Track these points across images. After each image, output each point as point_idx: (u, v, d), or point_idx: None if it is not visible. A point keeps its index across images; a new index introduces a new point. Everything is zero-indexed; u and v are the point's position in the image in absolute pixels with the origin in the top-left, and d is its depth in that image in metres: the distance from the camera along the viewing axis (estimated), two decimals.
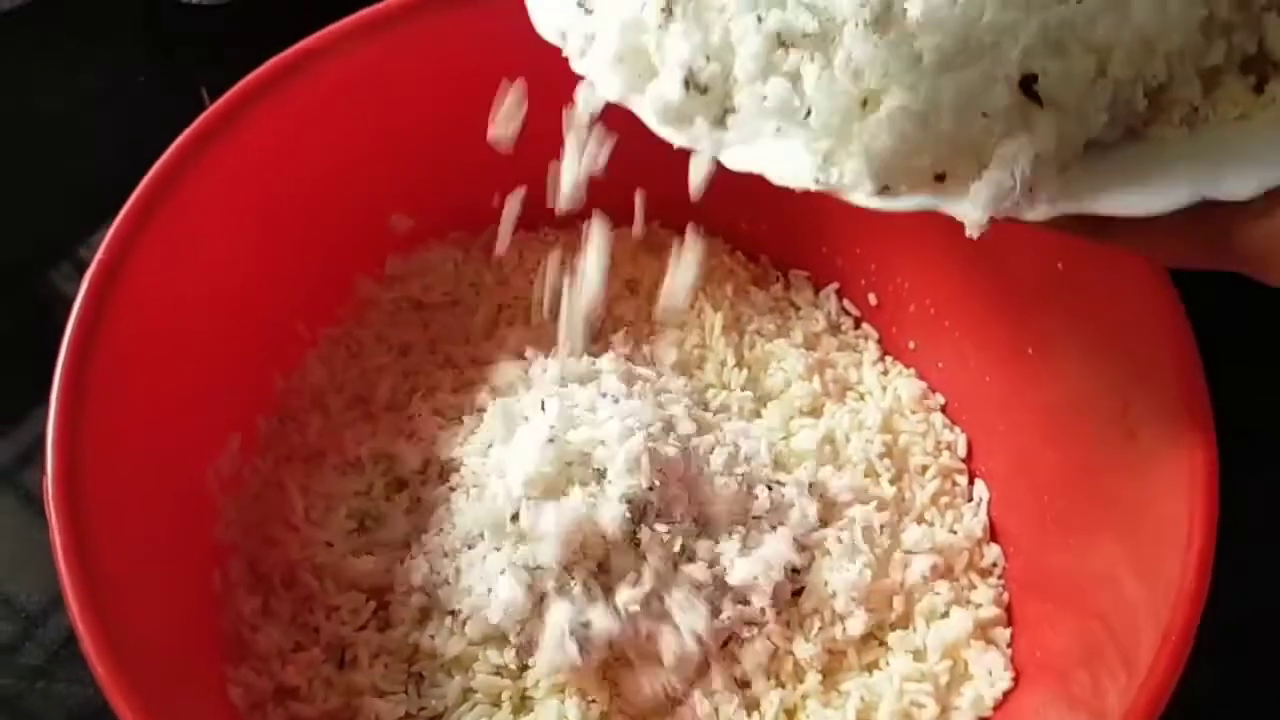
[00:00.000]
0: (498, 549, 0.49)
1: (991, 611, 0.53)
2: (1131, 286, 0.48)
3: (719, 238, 0.64)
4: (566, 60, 0.42)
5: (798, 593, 0.51)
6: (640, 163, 0.43)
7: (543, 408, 0.51)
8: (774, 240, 0.64)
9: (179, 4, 0.75)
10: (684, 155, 0.40)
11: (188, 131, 0.51)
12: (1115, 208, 0.33)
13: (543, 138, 0.44)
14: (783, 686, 0.50)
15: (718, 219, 0.64)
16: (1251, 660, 0.57)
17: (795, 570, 0.51)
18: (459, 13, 0.55)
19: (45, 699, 0.56)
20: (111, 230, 0.48)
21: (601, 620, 0.47)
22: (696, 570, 0.49)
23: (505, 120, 0.46)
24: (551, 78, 0.42)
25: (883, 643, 0.52)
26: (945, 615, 0.52)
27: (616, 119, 0.42)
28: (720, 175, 0.39)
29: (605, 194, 0.46)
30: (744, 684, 0.50)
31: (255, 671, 0.49)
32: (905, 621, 0.52)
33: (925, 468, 0.57)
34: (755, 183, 0.38)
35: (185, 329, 0.51)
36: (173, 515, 0.49)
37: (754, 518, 0.52)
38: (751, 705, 0.49)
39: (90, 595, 0.41)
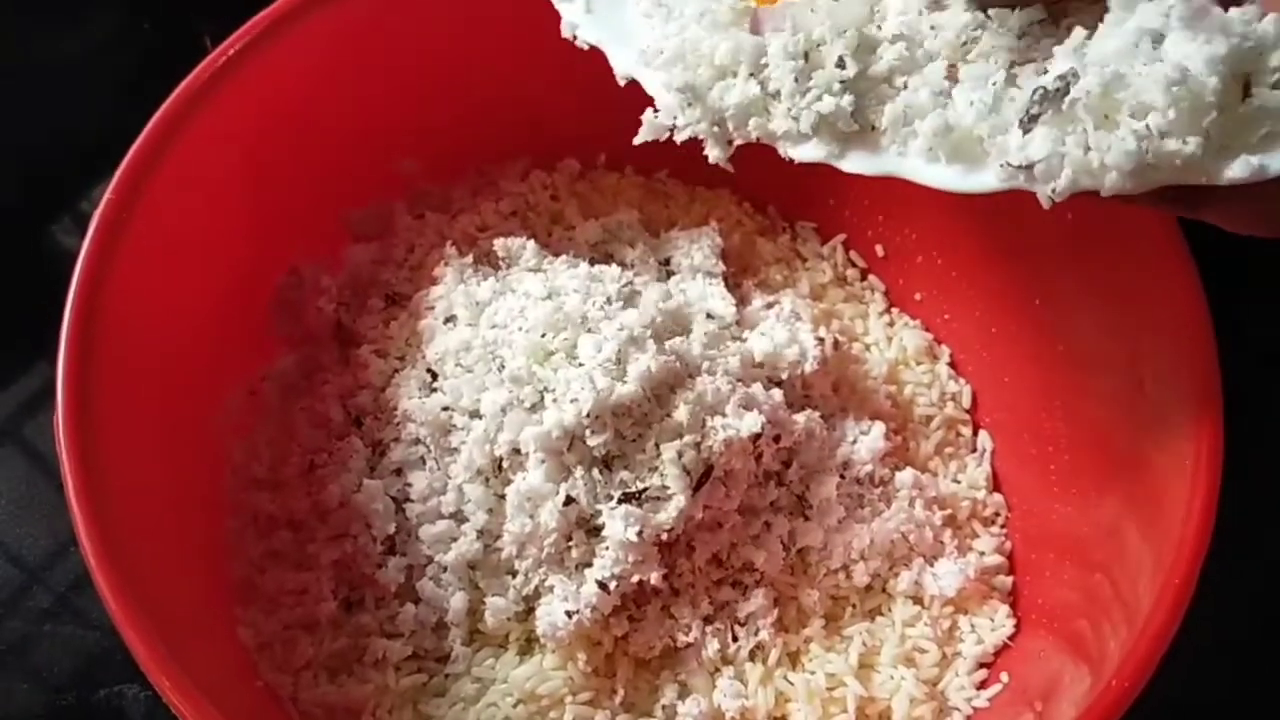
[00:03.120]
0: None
1: (994, 559, 0.53)
2: (1143, 241, 0.48)
3: (726, 189, 0.64)
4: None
5: (801, 551, 0.52)
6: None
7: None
8: (781, 191, 0.64)
9: None
10: None
11: (192, 75, 0.50)
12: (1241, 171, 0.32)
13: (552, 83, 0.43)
14: (786, 631, 0.50)
15: (725, 170, 0.63)
16: (1253, 618, 0.57)
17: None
18: None
19: (51, 642, 0.56)
20: (120, 170, 0.48)
21: (590, 597, 0.47)
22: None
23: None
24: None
25: (885, 590, 0.52)
26: (948, 563, 0.52)
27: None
28: None
29: (615, 134, 0.46)
30: (748, 628, 0.50)
31: (264, 612, 0.49)
32: (908, 569, 0.52)
33: (930, 418, 0.57)
34: None
35: (191, 273, 0.51)
36: (181, 459, 0.50)
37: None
38: (755, 649, 0.50)
39: (101, 533, 0.41)
